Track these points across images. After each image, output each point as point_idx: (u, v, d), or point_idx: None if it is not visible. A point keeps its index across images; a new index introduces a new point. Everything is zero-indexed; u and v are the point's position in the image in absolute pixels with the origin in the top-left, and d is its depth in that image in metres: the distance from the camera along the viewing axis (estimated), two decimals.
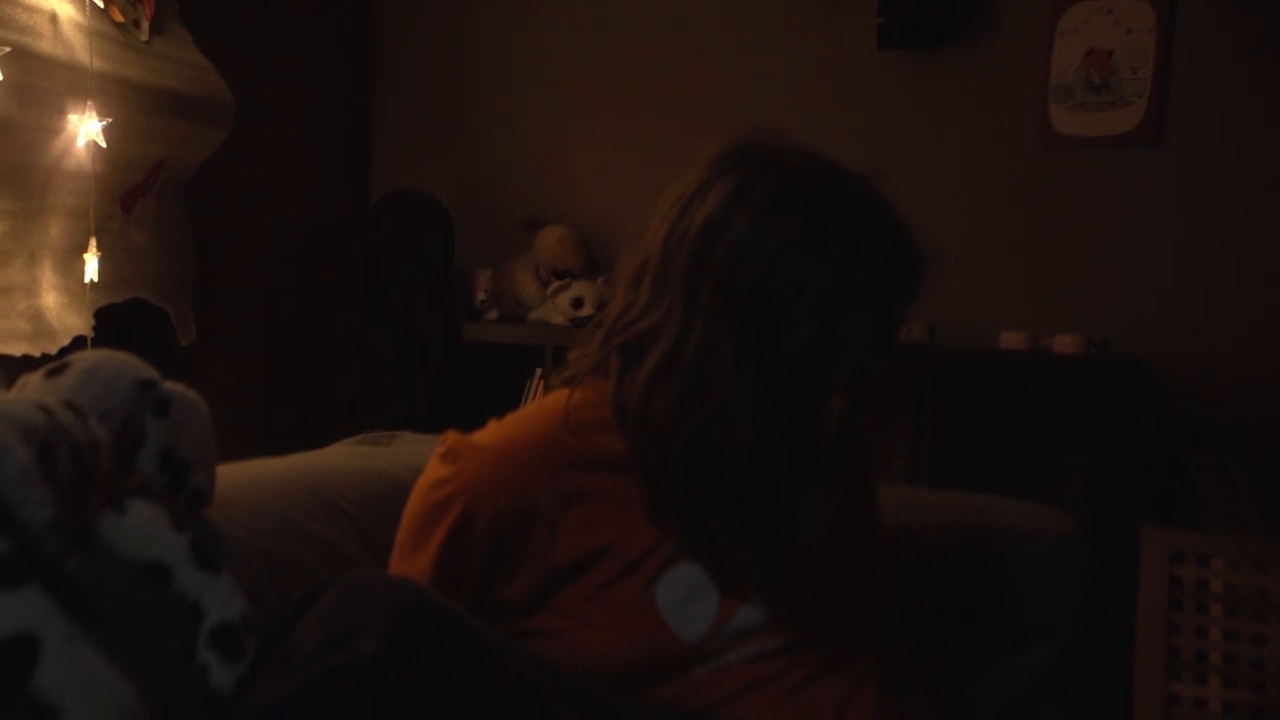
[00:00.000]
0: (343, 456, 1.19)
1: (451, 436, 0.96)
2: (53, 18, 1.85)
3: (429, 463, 0.96)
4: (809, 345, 0.86)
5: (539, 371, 2.73)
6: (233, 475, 1.03)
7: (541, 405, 0.97)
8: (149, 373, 0.89)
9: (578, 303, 2.70)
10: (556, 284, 2.75)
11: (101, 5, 1.97)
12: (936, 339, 2.49)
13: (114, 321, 2.08)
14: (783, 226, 0.86)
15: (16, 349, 1.86)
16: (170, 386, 0.90)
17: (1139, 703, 2.20)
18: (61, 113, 1.87)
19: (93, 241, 1.96)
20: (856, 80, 2.72)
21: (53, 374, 0.85)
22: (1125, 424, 2.34)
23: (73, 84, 1.87)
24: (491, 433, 0.96)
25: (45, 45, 1.82)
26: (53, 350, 1.91)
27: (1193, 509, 2.36)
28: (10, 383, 0.89)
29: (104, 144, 1.90)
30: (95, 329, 1.98)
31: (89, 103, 1.87)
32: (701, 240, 0.88)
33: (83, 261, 1.96)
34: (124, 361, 0.87)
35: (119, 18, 2.03)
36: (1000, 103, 2.61)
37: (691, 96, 2.94)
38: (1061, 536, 1.21)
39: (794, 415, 0.87)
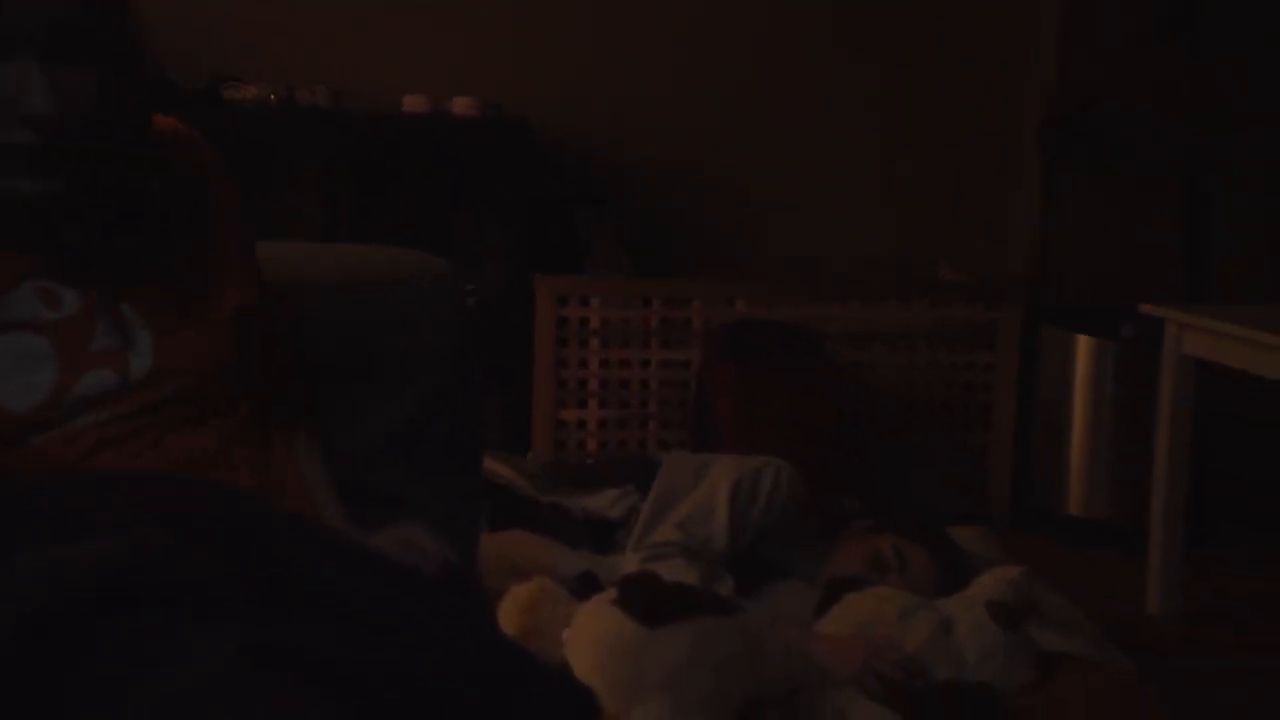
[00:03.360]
0: None
1: None
2: None
3: None
4: None
5: None
6: None
7: None
8: None
9: None
10: None
11: None
12: (340, 103, 2.46)
13: None
14: None
15: None
16: None
17: (536, 427, 2.51)
18: None
19: None
20: None
21: None
22: (520, 182, 2.53)
23: None
24: None
25: None
26: None
27: (579, 257, 2.65)
28: None
29: None
30: None
31: None
32: None
33: None
34: None
35: None
36: None
37: None
38: (437, 278, 1.29)
39: None
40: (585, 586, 1.59)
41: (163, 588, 0.64)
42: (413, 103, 2.46)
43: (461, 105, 2.46)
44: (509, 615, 1.50)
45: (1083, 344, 2.51)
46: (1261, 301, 2.44)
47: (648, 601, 1.41)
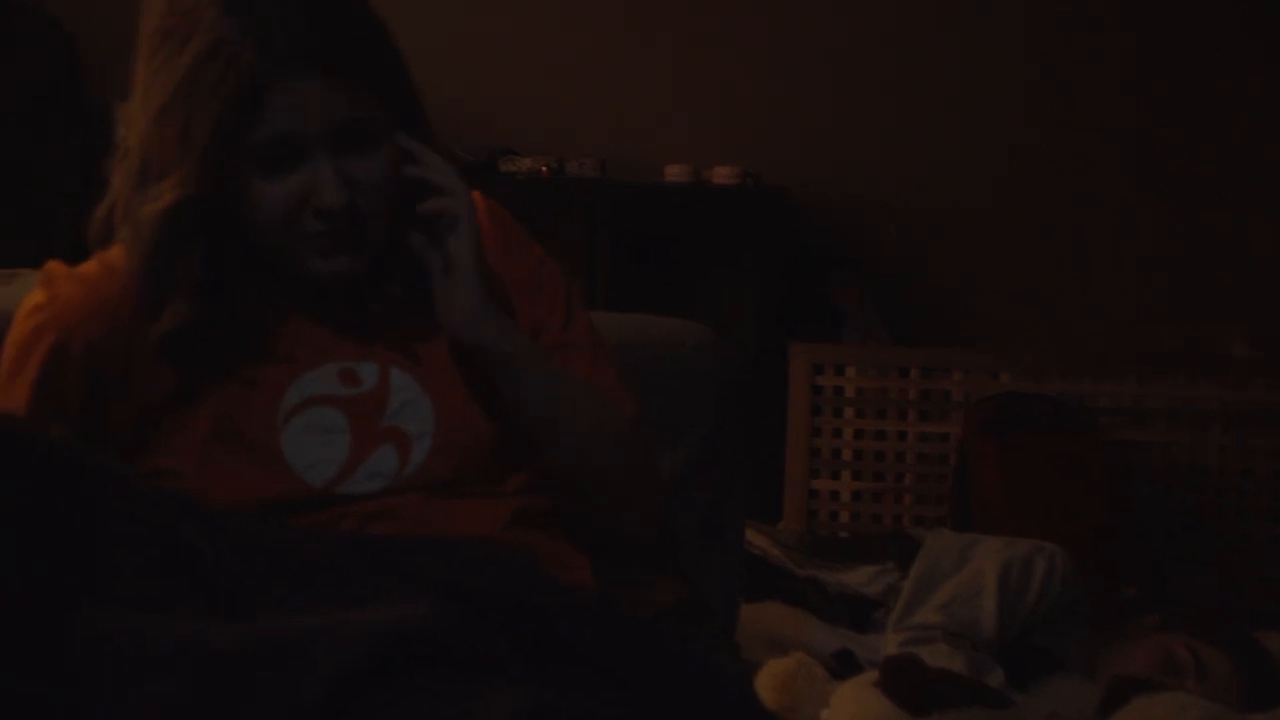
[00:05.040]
0: None
1: (53, 265, 0.92)
2: None
3: (30, 292, 0.90)
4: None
5: None
6: None
7: None
8: None
9: None
10: None
11: None
12: (607, 173, 2.56)
13: None
14: None
15: None
16: None
17: (787, 497, 2.47)
18: None
19: None
20: None
21: None
22: (775, 248, 2.53)
23: None
24: (93, 261, 0.92)
25: None
26: None
27: (833, 324, 2.62)
28: None
29: None
30: None
31: None
32: None
33: None
34: None
35: None
36: None
37: None
38: (702, 345, 1.31)
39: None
40: (844, 665, 1.53)
41: (447, 654, 0.66)
42: (674, 172, 2.53)
43: (721, 174, 2.50)
44: (765, 690, 1.46)
45: None
46: None
47: (912, 687, 1.34)
